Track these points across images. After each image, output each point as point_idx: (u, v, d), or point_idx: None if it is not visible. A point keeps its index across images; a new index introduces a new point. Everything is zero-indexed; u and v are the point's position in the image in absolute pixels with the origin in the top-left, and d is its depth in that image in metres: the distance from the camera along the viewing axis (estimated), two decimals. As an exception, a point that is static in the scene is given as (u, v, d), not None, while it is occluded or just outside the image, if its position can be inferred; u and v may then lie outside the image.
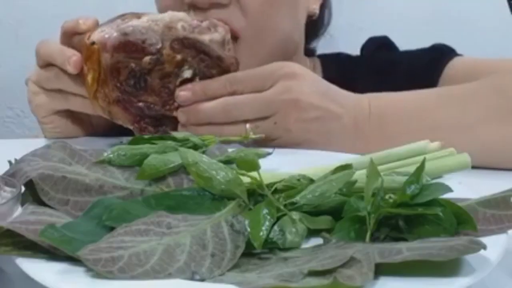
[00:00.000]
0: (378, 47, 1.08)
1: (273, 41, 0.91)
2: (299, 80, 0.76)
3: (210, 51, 0.77)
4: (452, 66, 0.96)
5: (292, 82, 0.75)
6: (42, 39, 0.83)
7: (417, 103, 0.78)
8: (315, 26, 1.07)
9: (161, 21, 0.76)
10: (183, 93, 0.76)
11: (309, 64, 1.05)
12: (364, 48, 1.10)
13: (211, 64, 0.77)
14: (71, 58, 0.78)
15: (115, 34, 0.75)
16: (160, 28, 0.76)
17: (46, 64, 0.82)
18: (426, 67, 0.97)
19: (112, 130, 0.87)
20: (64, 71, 0.80)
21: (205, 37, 0.77)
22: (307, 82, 0.76)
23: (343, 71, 1.05)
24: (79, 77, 0.79)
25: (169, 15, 0.77)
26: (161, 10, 0.86)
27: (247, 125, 0.74)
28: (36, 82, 0.83)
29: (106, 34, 0.76)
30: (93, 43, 0.76)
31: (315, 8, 0.99)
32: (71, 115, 0.86)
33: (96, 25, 0.80)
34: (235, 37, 0.86)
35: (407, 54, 1.05)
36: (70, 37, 0.81)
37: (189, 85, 0.76)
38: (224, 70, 0.78)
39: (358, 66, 1.06)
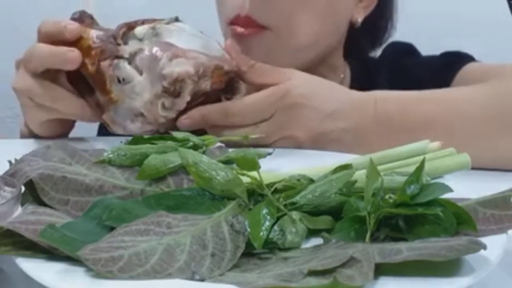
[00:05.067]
0: (400, 52, 1.08)
1: (302, 39, 0.92)
2: (298, 111, 0.75)
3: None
4: (465, 72, 0.96)
5: (291, 116, 0.75)
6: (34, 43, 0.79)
7: (426, 108, 0.77)
8: (375, 35, 1.09)
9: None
10: (185, 121, 0.76)
11: (343, 68, 1.06)
12: (385, 51, 1.10)
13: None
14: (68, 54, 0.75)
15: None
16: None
17: (37, 73, 0.78)
18: (440, 71, 0.97)
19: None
20: (60, 94, 0.78)
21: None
22: (307, 111, 0.76)
23: (368, 74, 1.06)
24: (73, 99, 0.77)
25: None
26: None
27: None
28: (28, 95, 0.79)
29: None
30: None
31: (358, 17, 0.99)
32: (62, 124, 0.84)
33: (78, 32, 0.76)
34: (261, 27, 0.89)
35: (424, 59, 1.06)
36: (51, 42, 0.77)
37: (190, 113, 0.76)
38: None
39: (378, 69, 1.07)
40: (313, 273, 0.42)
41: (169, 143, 0.61)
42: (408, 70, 1.04)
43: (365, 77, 1.04)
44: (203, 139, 0.64)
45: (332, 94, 0.79)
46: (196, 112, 0.76)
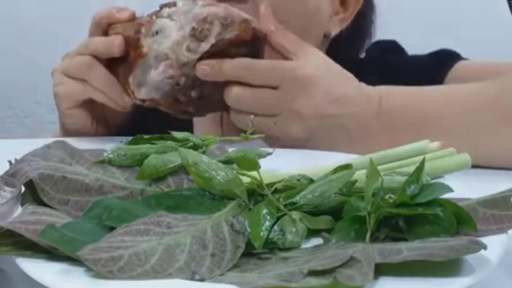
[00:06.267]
0: (385, 50, 1.08)
1: None
2: (308, 88, 0.76)
3: None
4: (457, 70, 0.95)
5: (299, 91, 0.76)
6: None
7: (429, 104, 0.77)
8: (354, 45, 1.08)
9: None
10: (202, 67, 0.77)
11: None
12: (369, 50, 1.10)
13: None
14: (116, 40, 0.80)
15: None
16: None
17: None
18: (430, 70, 0.97)
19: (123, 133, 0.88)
20: (96, 63, 0.81)
21: None
22: (316, 90, 0.76)
23: (354, 73, 1.05)
24: (106, 73, 0.81)
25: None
26: None
27: (251, 116, 0.74)
28: (64, 70, 0.83)
29: None
30: None
31: (333, 30, 0.98)
32: (91, 114, 0.87)
33: (129, 12, 0.81)
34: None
35: (412, 58, 1.06)
36: (104, 27, 0.82)
37: (208, 61, 0.78)
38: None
39: (364, 67, 1.06)
40: (313, 273, 0.42)
41: (169, 143, 0.61)
42: (397, 67, 1.03)
43: None
44: (203, 139, 0.64)
45: (342, 79, 0.79)
46: (216, 63, 0.77)
